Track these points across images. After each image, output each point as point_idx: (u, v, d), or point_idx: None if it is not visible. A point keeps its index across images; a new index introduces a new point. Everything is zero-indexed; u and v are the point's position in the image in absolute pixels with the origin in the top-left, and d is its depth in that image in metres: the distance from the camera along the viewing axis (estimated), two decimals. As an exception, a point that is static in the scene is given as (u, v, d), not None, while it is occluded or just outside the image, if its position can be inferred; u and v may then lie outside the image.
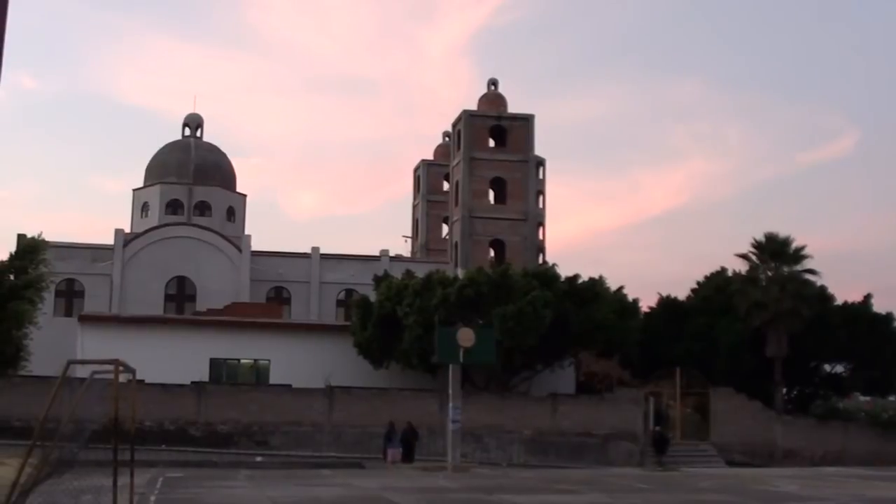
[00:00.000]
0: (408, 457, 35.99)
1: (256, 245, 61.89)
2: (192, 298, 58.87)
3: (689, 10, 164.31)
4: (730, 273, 50.64)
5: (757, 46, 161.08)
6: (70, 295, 57.58)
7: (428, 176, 76.53)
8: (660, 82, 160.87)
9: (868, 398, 58.89)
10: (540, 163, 67.38)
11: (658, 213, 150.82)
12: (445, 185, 73.85)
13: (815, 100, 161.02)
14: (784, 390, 47.70)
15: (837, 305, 49.29)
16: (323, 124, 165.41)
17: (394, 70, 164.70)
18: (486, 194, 66.48)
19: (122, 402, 15.13)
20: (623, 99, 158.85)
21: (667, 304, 52.17)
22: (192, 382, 41.53)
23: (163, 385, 38.99)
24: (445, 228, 72.73)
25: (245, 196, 72.38)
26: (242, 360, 46.81)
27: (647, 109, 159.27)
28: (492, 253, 64.67)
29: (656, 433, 38.92)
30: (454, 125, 68.25)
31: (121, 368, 15.56)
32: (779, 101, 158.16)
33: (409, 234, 78.06)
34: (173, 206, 67.94)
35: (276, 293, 61.32)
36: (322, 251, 62.51)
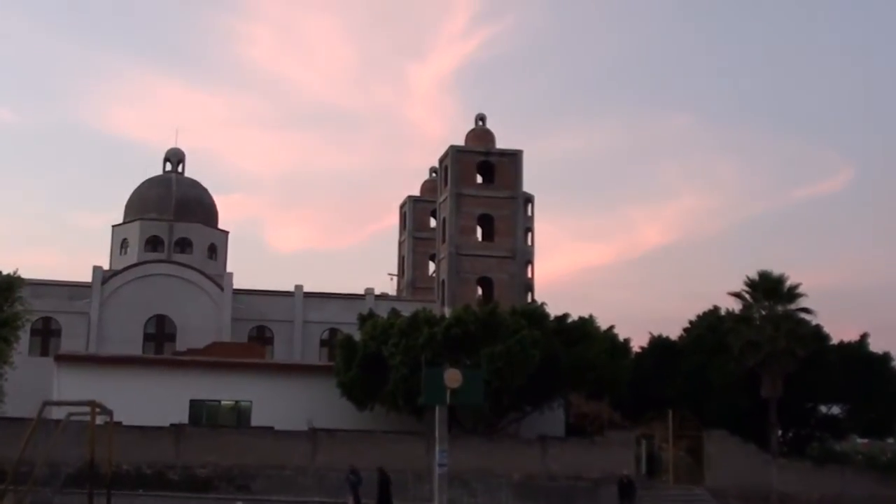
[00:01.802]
0: (385, 502, 35.03)
1: (238, 283, 61.41)
2: (172, 338, 58.29)
3: (679, 44, 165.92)
4: (723, 312, 49.98)
5: (749, 81, 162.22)
6: (46, 334, 57.01)
7: (414, 212, 76.05)
8: (650, 118, 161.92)
9: (865, 440, 58.30)
10: (528, 199, 67.20)
11: (649, 249, 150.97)
12: (432, 222, 73.41)
13: (808, 136, 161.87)
14: (779, 432, 47.06)
15: (833, 345, 48.67)
16: (307, 159, 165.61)
17: (380, 105, 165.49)
18: (474, 231, 66.02)
19: (98, 445, 14.76)
20: (613, 134, 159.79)
21: (658, 343, 51.52)
22: (171, 424, 40.83)
23: (141, 427, 38.49)
24: (432, 266, 72.24)
25: (227, 233, 72.18)
26: (223, 402, 45.85)
27: (637, 145, 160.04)
28: (479, 291, 64.22)
29: (622, 478, 37.84)
30: (441, 161, 67.91)
31: (98, 410, 15.13)
32: (771, 136, 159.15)
33: (395, 271, 77.52)
34: (153, 243, 67.57)
35: (258, 332, 60.76)
36: (306, 289, 61.98)
